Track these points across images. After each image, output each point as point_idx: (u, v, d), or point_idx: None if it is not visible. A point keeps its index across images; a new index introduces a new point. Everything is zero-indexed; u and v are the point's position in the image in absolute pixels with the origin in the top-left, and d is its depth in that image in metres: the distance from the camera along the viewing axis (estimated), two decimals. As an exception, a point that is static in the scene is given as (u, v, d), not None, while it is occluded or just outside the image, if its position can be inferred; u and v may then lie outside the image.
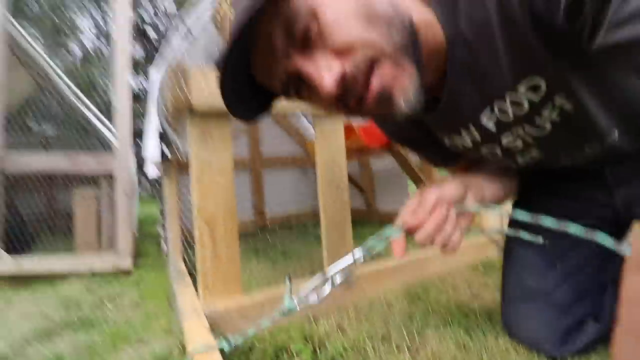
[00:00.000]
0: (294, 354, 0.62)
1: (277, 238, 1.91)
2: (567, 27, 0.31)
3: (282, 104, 0.76)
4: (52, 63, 2.06)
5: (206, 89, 0.75)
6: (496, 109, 0.44)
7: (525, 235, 0.53)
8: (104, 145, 2.02)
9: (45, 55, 1.94)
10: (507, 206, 0.67)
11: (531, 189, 0.65)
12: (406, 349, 0.61)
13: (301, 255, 1.44)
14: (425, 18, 0.39)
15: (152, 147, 0.91)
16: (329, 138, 0.93)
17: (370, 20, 0.34)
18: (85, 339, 0.79)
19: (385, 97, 0.36)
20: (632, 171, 0.53)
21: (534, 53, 0.36)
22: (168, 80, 0.72)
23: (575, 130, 0.45)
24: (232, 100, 0.41)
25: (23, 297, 1.14)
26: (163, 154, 0.82)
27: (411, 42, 0.36)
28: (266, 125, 2.60)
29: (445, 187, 0.50)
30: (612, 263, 0.60)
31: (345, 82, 0.35)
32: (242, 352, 0.63)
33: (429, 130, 0.56)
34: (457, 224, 0.49)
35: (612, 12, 0.28)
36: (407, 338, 0.64)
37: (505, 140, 0.48)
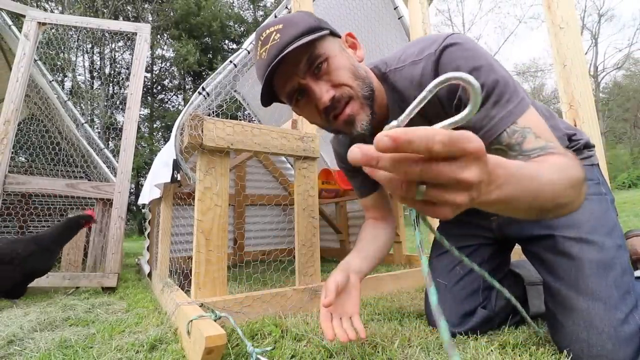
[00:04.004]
0: (267, 334, 0.80)
1: (255, 270, 2.05)
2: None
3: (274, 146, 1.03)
4: (62, 94, 2.30)
5: (214, 133, 1.01)
6: None
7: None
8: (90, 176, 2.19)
9: (62, 94, 2.19)
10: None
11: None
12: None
13: (278, 284, 1.60)
14: (378, 87, 0.68)
15: (162, 172, 1.13)
16: (306, 175, 1.19)
17: (355, 75, 0.62)
18: (85, 331, 0.92)
19: (351, 120, 0.63)
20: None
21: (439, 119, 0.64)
22: (187, 122, 0.97)
23: None
24: (263, 100, 0.66)
25: (15, 304, 1.23)
26: (173, 177, 1.04)
27: (371, 95, 0.63)
28: (251, 167, 2.87)
29: (337, 276, 0.70)
30: (499, 271, 0.86)
31: (333, 101, 0.61)
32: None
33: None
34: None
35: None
36: (354, 326, 0.84)
37: None
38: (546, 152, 0.51)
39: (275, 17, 1.53)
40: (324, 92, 0.60)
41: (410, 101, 0.61)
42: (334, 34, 0.64)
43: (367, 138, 0.73)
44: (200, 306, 0.85)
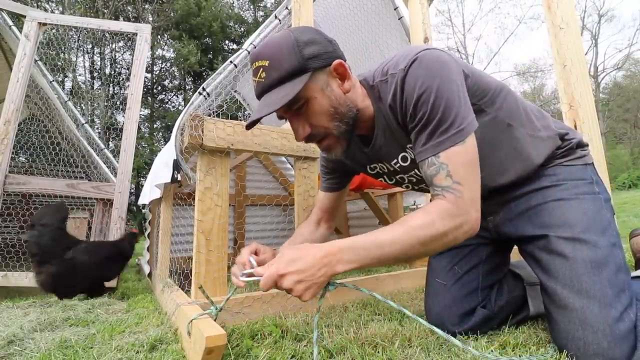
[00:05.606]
0: (267, 335, 0.80)
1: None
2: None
3: (273, 147, 1.03)
4: (62, 93, 2.30)
5: (215, 133, 1.01)
6: (405, 155, 0.73)
7: None
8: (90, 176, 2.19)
9: (63, 95, 2.19)
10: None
11: None
12: (352, 332, 0.80)
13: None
14: (364, 105, 0.71)
15: (163, 172, 1.13)
16: (306, 176, 1.19)
17: (332, 117, 0.66)
18: (85, 331, 0.92)
19: (326, 150, 0.71)
20: (495, 205, 0.80)
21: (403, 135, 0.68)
22: (188, 122, 0.98)
23: None
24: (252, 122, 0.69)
25: (15, 304, 1.23)
26: (173, 177, 1.04)
27: (351, 126, 0.68)
28: (251, 168, 2.87)
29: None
30: (499, 271, 0.86)
31: (308, 138, 0.68)
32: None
33: (347, 163, 0.87)
34: None
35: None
36: (354, 326, 0.84)
37: (407, 174, 0.77)
38: (441, 194, 0.59)
39: (276, 17, 1.53)
40: (301, 130, 0.67)
41: (389, 110, 0.68)
42: (321, 66, 0.63)
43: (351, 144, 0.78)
44: (201, 291, 0.85)
